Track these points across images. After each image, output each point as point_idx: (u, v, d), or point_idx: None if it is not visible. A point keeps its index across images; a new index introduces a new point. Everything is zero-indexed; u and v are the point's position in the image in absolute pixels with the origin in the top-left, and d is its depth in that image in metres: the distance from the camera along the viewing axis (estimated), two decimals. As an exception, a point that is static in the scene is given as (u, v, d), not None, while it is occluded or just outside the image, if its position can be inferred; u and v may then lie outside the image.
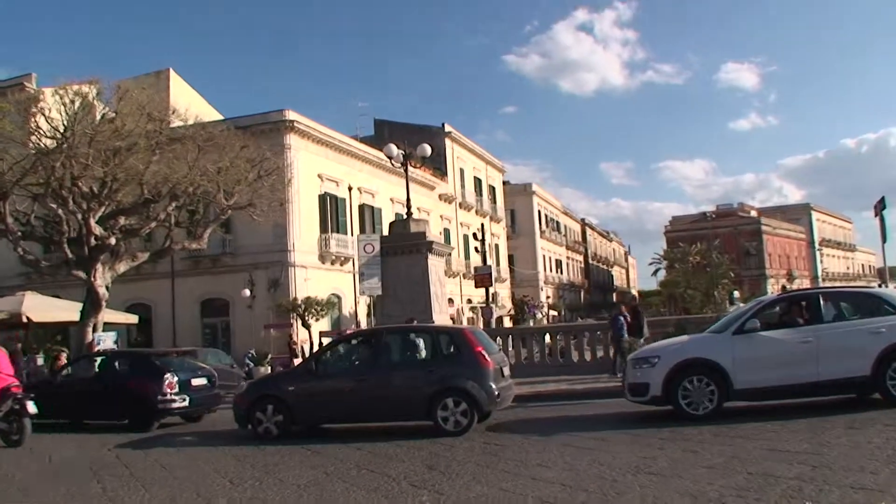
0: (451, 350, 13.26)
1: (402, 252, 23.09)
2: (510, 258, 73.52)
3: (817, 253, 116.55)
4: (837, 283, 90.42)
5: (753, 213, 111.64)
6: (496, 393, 12.47)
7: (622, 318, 20.57)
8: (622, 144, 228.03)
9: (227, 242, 39.63)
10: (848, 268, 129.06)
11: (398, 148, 25.32)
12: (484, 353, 12.84)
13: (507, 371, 13.81)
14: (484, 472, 8.84)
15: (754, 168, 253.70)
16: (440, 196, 57.69)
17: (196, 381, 16.99)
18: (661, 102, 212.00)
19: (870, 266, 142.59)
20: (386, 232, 30.04)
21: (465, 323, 53.44)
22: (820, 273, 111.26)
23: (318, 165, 42.63)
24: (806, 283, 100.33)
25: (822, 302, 12.56)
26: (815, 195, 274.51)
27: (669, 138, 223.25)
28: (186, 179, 25.27)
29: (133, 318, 33.41)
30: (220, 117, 41.53)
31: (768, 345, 12.09)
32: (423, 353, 13.71)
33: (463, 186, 63.22)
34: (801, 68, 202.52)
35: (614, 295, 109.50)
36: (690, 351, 12.54)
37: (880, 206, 17.47)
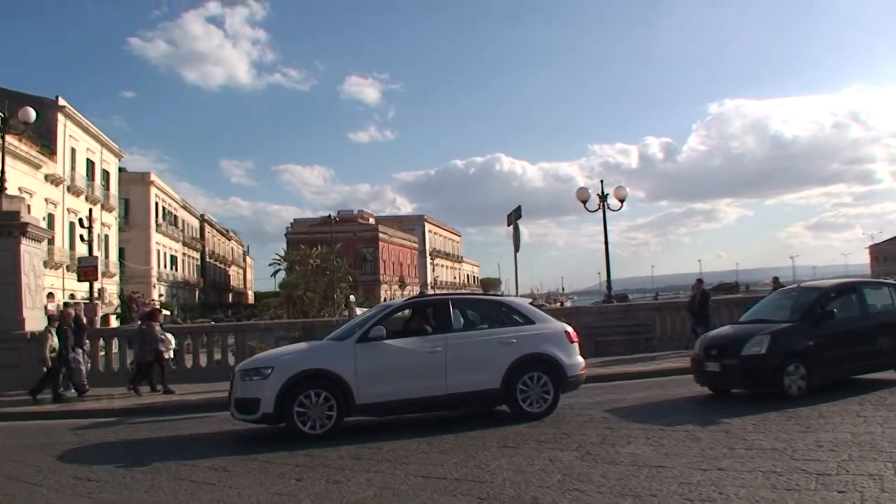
0: None
1: (-11, 234, 19.74)
2: (121, 251, 68.55)
3: (428, 262, 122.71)
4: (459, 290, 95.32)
5: (371, 221, 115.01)
6: None
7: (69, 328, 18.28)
8: (244, 144, 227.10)
9: None
10: (455, 277, 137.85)
11: (-5, 109, 21.62)
12: None
13: None
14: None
15: (371, 179, 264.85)
16: (46, 177, 51.80)
17: None
18: (286, 106, 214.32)
19: (474, 276, 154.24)
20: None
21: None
22: (430, 280, 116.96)
23: None
24: (416, 290, 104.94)
25: (452, 309, 12.03)
26: (426, 209, 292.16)
27: (291, 142, 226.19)
28: None
29: None
30: None
31: (394, 354, 11.25)
32: None
33: (74, 168, 57.37)
34: (420, 89, 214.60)
35: (230, 295, 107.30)
36: (309, 361, 11.23)
37: (515, 216, 17.48)
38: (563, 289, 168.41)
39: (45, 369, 17.07)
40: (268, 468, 8.80)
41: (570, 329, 12.26)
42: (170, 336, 18.74)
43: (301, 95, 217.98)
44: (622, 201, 26.66)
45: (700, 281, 22.25)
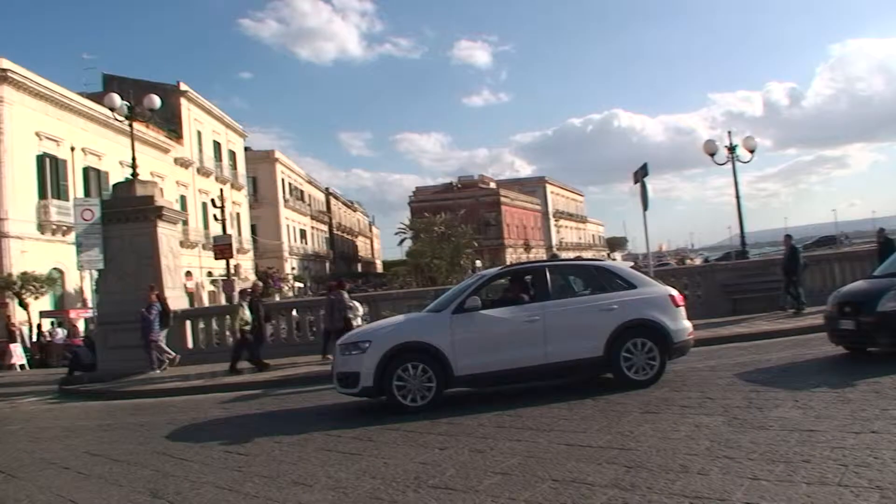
0: None
1: (126, 219, 20.54)
2: (252, 228, 70.67)
3: (552, 223, 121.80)
4: (570, 255, 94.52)
5: (493, 185, 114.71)
6: None
7: (155, 309, 19.16)
8: (361, 115, 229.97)
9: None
10: (580, 238, 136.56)
11: (123, 99, 22.34)
12: None
13: None
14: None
15: (488, 143, 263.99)
16: (176, 160, 53.71)
17: None
18: (399, 75, 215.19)
19: (599, 236, 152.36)
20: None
21: (205, 299, 50.50)
22: (555, 242, 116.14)
23: (36, 122, 37.79)
24: (542, 253, 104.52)
25: (549, 276, 11.70)
26: (544, 170, 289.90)
27: (406, 111, 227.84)
28: None
29: None
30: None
31: (491, 324, 11.06)
32: None
33: (201, 151, 59.40)
34: (531, 49, 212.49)
35: (359, 265, 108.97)
36: (406, 334, 11.18)
37: (641, 173, 16.99)
38: (692, 245, 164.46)
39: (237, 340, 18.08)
40: (411, 437, 8.82)
41: (674, 292, 11.82)
42: (357, 304, 19.13)
43: (412, 63, 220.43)
44: (752, 152, 25.78)
45: (788, 237, 21.35)
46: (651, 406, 9.32)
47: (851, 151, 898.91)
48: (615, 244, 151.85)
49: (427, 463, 7.52)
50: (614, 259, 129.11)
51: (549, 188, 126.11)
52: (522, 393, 11.07)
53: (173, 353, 19.53)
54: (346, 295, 18.69)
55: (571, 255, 74.36)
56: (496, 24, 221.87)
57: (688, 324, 11.62)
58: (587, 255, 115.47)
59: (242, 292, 19.75)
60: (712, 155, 25.75)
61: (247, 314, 17.95)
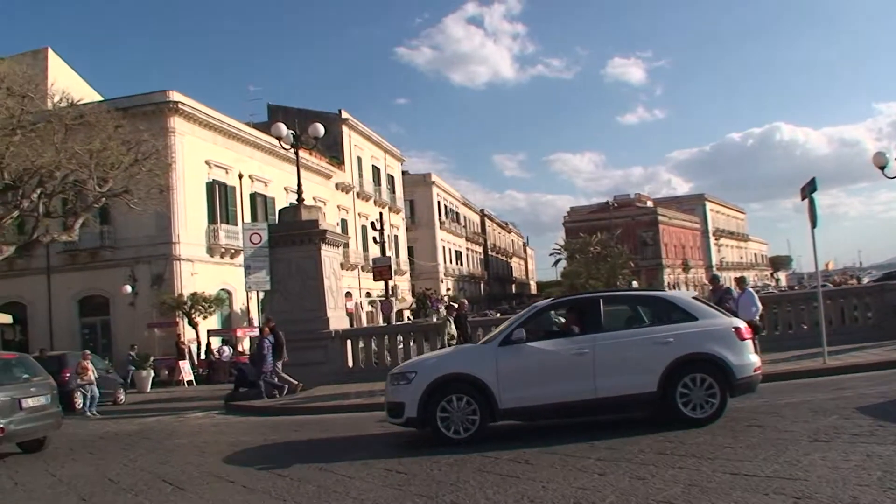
0: None
1: (292, 242, 21.23)
2: (410, 250, 71.89)
3: (712, 242, 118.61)
4: (731, 273, 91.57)
5: (650, 204, 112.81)
6: None
7: (267, 342, 19.46)
8: (514, 137, 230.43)
9: (105, 234, 36.37)
10: (741, 257, 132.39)
11: (288, 128, 23.20)
12: None
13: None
14: None
15: (643, 161, 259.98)
16: (337, 185, 55.40)
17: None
18: (551, 96, 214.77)
19: (762, 255, 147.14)
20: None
21: (363, 319, 51.63)
22: (714, 262, 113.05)
23: (206, 151, 39.85)
24: (701, 273, 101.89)
25: (602, 307, 11.18)
26: (703, 187, 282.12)
27: (559, 131, 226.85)
28: (53, 163, 22.84)
29: (6, 318, 30.69)
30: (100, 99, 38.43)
31: (537, 357, 10.73)
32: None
33: (361, 175, 61.05)
34: (686, 64, 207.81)
35: (513, 286, 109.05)
36: (450, 365, 11.10)
37: (809, 189, 16.26)
38: (860, 263, 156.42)
39: None
40: (569, 461, 8.66)
41: (740, 324, 11.12)
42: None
43: (565, 83, 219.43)
44: (923, 164, 24.34)
45: None
46: (821, 434, 8.86)
47: None
48: (779, 263, 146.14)
49: (587, 488, 7.34)
50: (777, 279, 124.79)
51: (708, 206, 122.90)
52: (677, 420, 10.80)
53: (295, 381, 19.74)
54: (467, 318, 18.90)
55: (732, 274, 71.99)
56: (650, 40, 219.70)
57: (754, 358, 10.95)
58: (749, 274, 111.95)
59: (449, 308, 20.12)
60: (882, 168, 24.45)
61: (452, 329, 18.28)
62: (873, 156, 24.82)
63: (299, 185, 22.91)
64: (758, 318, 16.98)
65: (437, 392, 10.58)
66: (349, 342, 21.43)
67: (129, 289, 35.15)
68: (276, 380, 19.62)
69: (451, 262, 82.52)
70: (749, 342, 10.99)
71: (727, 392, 10.49)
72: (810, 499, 6.27)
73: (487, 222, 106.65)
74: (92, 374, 20.15)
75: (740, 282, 18.35)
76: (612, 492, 7.14)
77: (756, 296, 17.69)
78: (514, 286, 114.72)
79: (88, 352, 21.92)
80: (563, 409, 10.75)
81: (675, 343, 10.54)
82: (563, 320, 12.05)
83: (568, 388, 10.51)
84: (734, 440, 9.05)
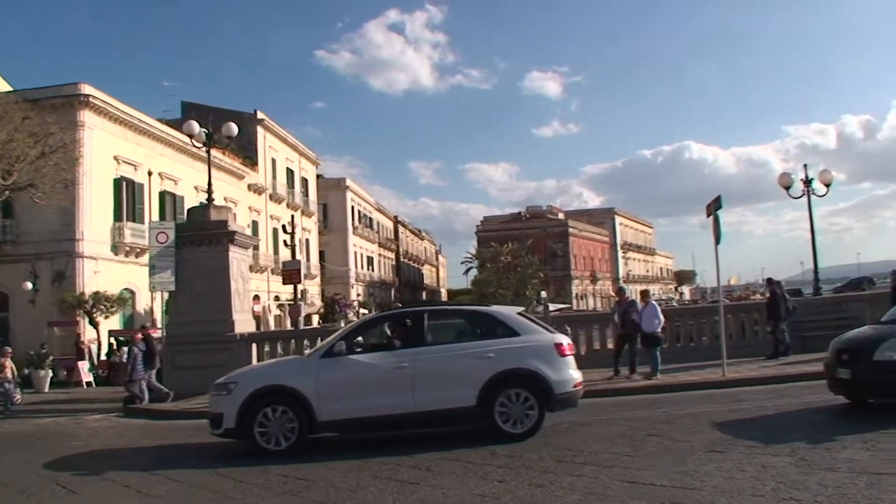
0: None
1: (200, 242, 20.91)
2: (321, 254, 71.42)
3: (620, 255, 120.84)
4: (636, 286, 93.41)
5: (561, 216, 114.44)
6: None
7: (137, 349, 19.57)
8: (431, 145, 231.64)
9: (7, 228, 35.37)
10: (648, 270, 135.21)
11: (202, 126, 22.88)
12: None
13: None
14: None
15: (556, 174, 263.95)
16: (249, 186, 54.71)
17: None
18: (469, 106, 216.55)
19: (667, 269, 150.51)
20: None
21: (271, 322, 51.14)
22: (622, 275, 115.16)
23: (116, 146, 38.87)
24: (608, 285, 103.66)
25: (427, 321, 11.35)
26: (614, 201, 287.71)
27: (476, 141, 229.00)
28: (-49, 152, 22.14)
29: None
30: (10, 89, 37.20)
31: (357, 370, 10.84)
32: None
33: (274, 177, 60.42)
34: (602, 80, 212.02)
35: (423, 293, 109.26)
36: (270, 377, 11.18)
37: (715, 206, 16.74)
38: (763, 280, 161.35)
39: None
40: (470, 468, 8.80)
41: (562, 341, 11.33)
42: None
43: (483, 94, 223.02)
44: (827, 186, 25.30)
45: (770, 281, 21.89)
46: (717, 445, 9.17)
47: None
48: (684, 277, 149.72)
49: (486, 495, 7.51)
50: (682, 293, 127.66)
51: (617, 219, 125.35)
52: (580, 426, 11.01)
53: (165, 390, 19.43)
54: None
55: (639, 287, 73.44)
56: (568, 56, 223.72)
57: (575, 374, 11.16)
58: (654, 287, 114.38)
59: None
60: (787, 188, 25.35)
61: None
62: (779, 176, 25.83)
63: (210, 184, 22.60)
64: (660, 329, 17.55)
65: (256, 403, 10.56)
66: (255, 346, 21.17)
67: (29, 285, 34.15)
68: (140, 388, 19.30)
69: (362, 267, 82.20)
70: (570, 358, 11.21)
71: (545, 407, 10.70)
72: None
73: (401, 229, 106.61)
74: (10, 373, 19.65)
75: (644, 295, 18.92)
76: (511, 499, 7.31)
77: (659, 308, 18.27)
78: (425, 293, 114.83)
79: (9, 349, 21.23)
80: (383, 423, 10.81)
81: (496, 358, 10.70)
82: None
83: (387, 402, 10.58)
84: (633, 449, 9.32)
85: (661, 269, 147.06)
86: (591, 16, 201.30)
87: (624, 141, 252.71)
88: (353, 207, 79.57)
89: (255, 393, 10.63)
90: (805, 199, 24.97)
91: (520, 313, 12.09)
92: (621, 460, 8.71)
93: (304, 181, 68.68)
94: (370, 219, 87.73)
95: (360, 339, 11.83)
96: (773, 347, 19.26)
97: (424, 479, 8.43)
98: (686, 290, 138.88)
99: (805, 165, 25.31)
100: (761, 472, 7.63)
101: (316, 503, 7.69)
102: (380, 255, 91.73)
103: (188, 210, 25.44)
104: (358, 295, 75.90)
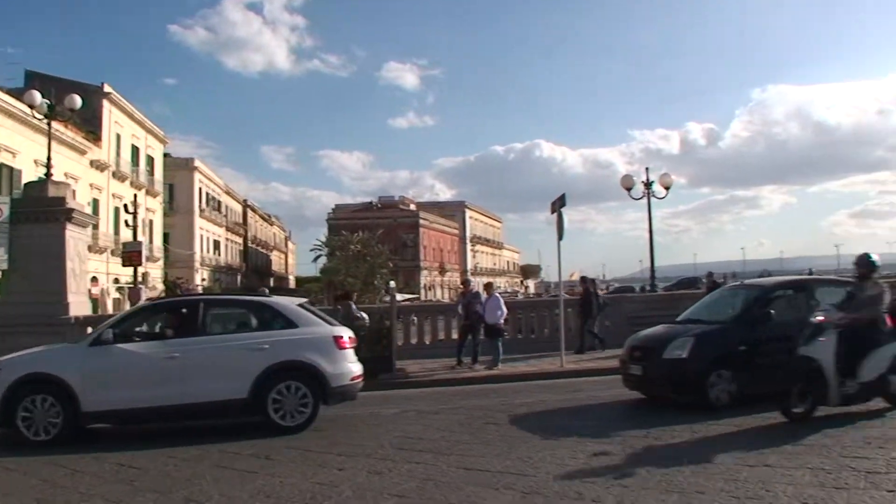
0: None
1: (36, 219, 19.89)
2: (165, 236, 69.26)
3: (468, 248, 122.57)
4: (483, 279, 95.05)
5: (413, 207, 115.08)
6: None
7: None
8: (284, 129, 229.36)
9: None
10: (495, 263, 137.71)
11: (44, 97, 21.86)
12: None
13: None
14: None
15: (410, 165, 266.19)
16: (92, 162, 52.29)
17: None
18: (325, 92, 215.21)
19: (514, 263, 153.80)
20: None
21: (109, 306, 49.33)
22: (469, 267, 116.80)
23: (-55, 114, 36.59)
24: (456, 276, 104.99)
25: (202, 311, 11.28)
26: (465, 195, 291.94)
27: (331, 128, 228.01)
28: None
29: None
30: None
31: (126, 359, 10.61)
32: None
33: (119, 154, 57.98)
34: (459, 75, 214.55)
35: (271, 280, 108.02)
36: (34, 365, 10.67)
37: (559, 203, 17.35)
38: (604, 276, 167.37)
39: None
40: (309, 456, 8.82)
41: (341, 334, 11.37)
42: (364, 315, 18.78)
43: (340, 81, 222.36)
44: (667, 189, 26.48)
45: (584, 279, 22.87)
46: (550, 433, 9.51)
47: (764, 193, 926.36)
48: (529, 271, 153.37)
49: (324, 483, 7.55)
50: (527, 286, 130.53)
51: (468, 213, 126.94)
52: (420, 415, 11.16)
53: None
54: (354, 306, 18.30)
55: (485, 279, 74.55)
56: (426, 48, 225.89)
57: (354, 368, 11.25)
58: (501, 280, 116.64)
59: (338, 298, 19.65)
60: (629, 189, 26.40)
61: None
62: (622, 178, 26.85)
63: (49, 159, 21.59)
64: (502, 321, 18.03)
65: (19, 391, 10.19)
66: (90, 329, 20.43)
67: None
68: None
69: (208, 251, 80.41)
70: (349, 351, 11.27)
71: (320, 400, 10.71)
72: (538, 494, 6.78)
73: (250, 213, 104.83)
74: None
75: (488, 287, 19.36)
76: (349, 486, 7.37)
77: (502, 300, 18.73)
78: (272, 280, 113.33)
79: None
80: (153, 414, 10.63)
81: (270, 350, 10.67)
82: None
83: (156, 393, 10.40)
84: (471, 437, 9.57)
85: (508, 262, 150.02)
86: (450, 11, 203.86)
87: (478, 136, 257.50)
88: (200, 189, 77.60)
89: (19, 381, 10.23)
90: (646, 200, 26.06)
91: (300, 305, 11.94)
92: (459, 448, 8.94)
93: (151, 160, 66.41)
94: (218, 202, 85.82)
95: (135, 328, 11.58)
96: (579, 342, 20.13)
97: (263, 467, 8.40)
98: (531, 283, 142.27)
99: (647, 169, 26.46)
100: (593, 460, 8.01)
101: (149, 492, 7.52)
102: (227, 239, 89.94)
103: (25, 185, 24.26)
104: (203, 279, 74.18)
